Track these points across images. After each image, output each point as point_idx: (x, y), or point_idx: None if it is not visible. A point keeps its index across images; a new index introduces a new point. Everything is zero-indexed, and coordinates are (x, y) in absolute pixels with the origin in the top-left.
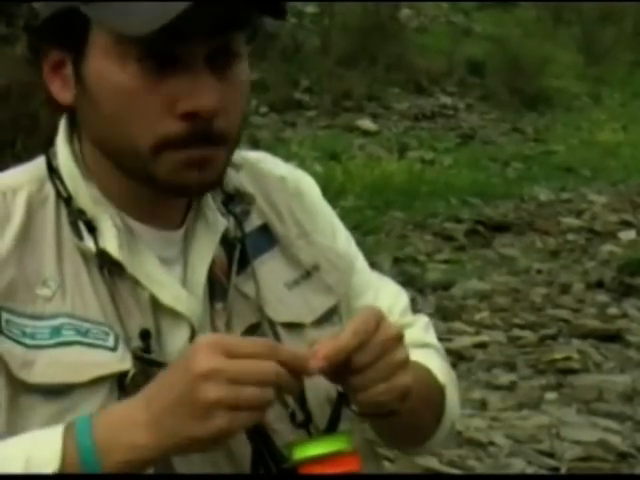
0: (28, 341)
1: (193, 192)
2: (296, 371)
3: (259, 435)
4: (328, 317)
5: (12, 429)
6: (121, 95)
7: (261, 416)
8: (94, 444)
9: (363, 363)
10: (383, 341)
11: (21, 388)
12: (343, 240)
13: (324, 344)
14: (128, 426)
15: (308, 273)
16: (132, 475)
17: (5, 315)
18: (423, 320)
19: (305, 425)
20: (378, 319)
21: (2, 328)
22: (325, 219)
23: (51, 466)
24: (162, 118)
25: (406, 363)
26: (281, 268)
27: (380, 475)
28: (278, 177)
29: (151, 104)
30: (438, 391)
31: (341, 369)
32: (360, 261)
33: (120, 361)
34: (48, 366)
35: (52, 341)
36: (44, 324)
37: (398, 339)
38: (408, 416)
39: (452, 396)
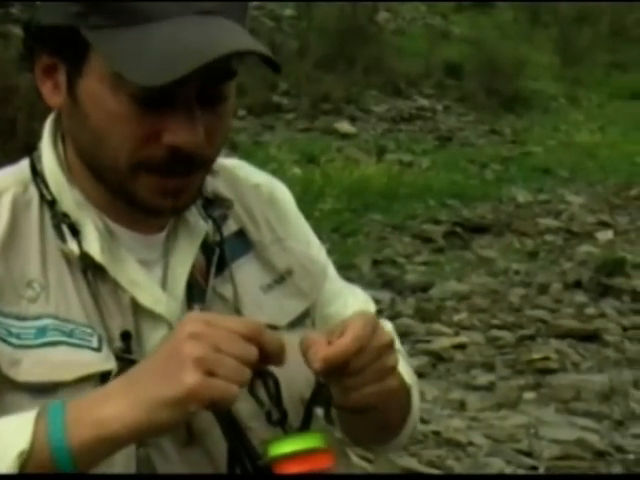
0: (14, 341)
1: (165, 215)
2: (273, 358)
3: (235, 433)
4: (301, 320)
5: None
6: (110, 118)
7: (232, 395)
8: (63, 422)
9: (359, 366)
10: (378, 347)
11: (9, 386)
12: (315, 248)
13: (321, 345)
14: (98, 401)
15: (282, 277)
16: (132, 475)
17: None
18: (388, 326)
19: (281, 423)
20: (374, 325)
21: None
22: (298, 226)
23: (19, 446)
24: (146, 143)
25: (396, 368)
26: (256, 272)
27: (379, 475)
28: (253, 184)
29: (138, 130)
30: (406, 392)
31: (337, 370)
32: (331, 269)
33: (104, 361)
34: (34, 365)
35: (38, 341)
36: (29, 325)
37: (390, 345)
38: (380, 414)
39: (416, 398)
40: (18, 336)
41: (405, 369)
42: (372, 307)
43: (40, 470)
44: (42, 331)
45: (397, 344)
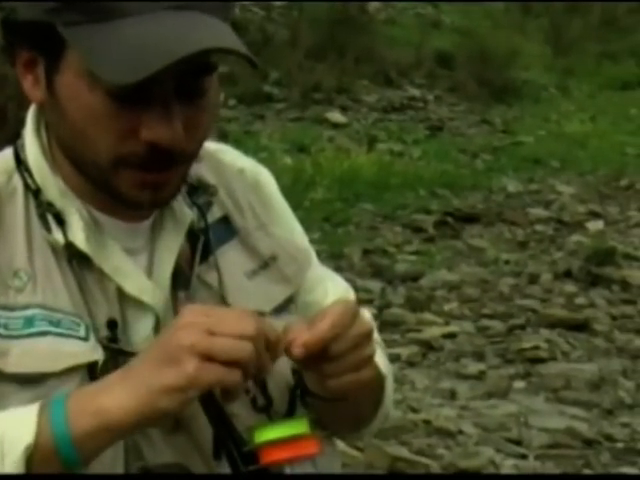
0: (2, 331)
1: (145, 209)
2: (269, 343)
3: (220, 419)
4: (285, 306)
5: None
6: (88, 114)
7: (233, 377)
8: (65, 413)
9: (337, 352)
10: (357, 335)
11: None
12: (298, 234)
13: (302, 332)
14: (99, 391)
15: (266, 264)
16: (131, 475)
17: None
18: (367, 315)
19: (266, 410)
20: (354, 314)
21: None
22: (281, 212)
23: (25, 440)
24: (125, 139)
25: (372, 358)
26: (241, 258)
27: (379, 475)
28: (237, 169)
29: (116, 125)
30: (380, 382)
31: (315, 356)
32: (313, 256)
33: (92, 351)
34: (22, 356)
35: (25, 331)
36: (17, 315)
37: (369, 335)
38: (353, 404)
39: (389, 388)
40: (6, 326)
41: (381, 359)
42: (352, 296)
43: (45, 463)
44: (30, 321)
45: (375, 334)
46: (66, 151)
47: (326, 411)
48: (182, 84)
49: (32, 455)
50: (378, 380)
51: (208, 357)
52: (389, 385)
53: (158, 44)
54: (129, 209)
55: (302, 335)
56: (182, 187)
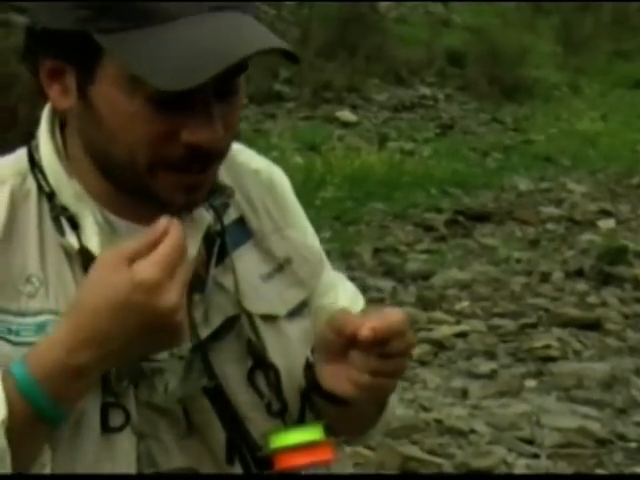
0: (14, 338)
1: (179, 211)
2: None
3: (234, 424)
4: (300, 309)
5: None
6: (127, 120)
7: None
8: (25, 365)
9: (390, 351)
10: (410, 343)
11: None
12: (311, 236)
13: (372, 318)
14: (72, 366)
15: (281, 266)
16: (131, 475)
17: None
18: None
19: (281, 414)
20: (408, 324)
21: None
22: (295, 214)
23: (1, 413)
24: (165, 142)
25: (404, 371)
26: (256, 261)
27: (381, 475)
28: (253, 170)
29: (155, 130)
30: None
31: (370, 345)
32: (325, 259)
33: None
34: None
35: (37, 338)
36: (29, 321)
37: (413, 348)
38: (360, 407)
39: (394, 397)
40: (17, 333)
41: None
42: (361, 301)
43: (26, 428)
44: (42, 327)
45: None
46: (98, 156)
47: (331, 413)
48: (220, 85)
49: (11, 426)
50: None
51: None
52: (393, 396)
53: (211, 48)
54: (162, 211)
55: (371, 320)
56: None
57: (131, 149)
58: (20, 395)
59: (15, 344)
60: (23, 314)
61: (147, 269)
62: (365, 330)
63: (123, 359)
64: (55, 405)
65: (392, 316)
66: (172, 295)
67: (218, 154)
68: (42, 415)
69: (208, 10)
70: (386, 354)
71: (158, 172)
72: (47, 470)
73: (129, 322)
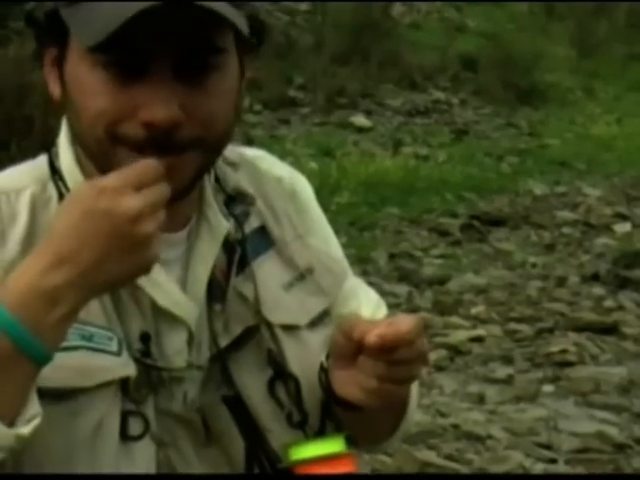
0: None
1: None
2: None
3: (254, 434)
4: (322, 319)
5: None
6: (88, 95)
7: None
8: (5, 304)
9: (399, 358)
10: (421, 351)
11: None
12: (333, 244)
13: (380, 325)
14: (44, 288)
15: (302, 275)
16: (130, 475)
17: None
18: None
19: (301, 425)
20: (422, 330)
21: None
22: (318, 222)
23: None
24: (124, 120)
25: (415, 379)
26: (277, 270)
27: (382, 475)
28: (276, 177)
29: (113, 107)
30: (406, 401)
31: (379, 352)
32: (348, 267)
33: (124, 366)
34: (54, 371)
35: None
36: None
37: (426, 357)
38: (372, 415)
39: (413, 402)
40: None
41: None
42: (384, 310)
43: (6, 361)
44: None
45: None
46: (79, 143)
47: (345, 420)
48: (181, 66)
49: None
50: (404, 402)
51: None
52: (413, 399)
53: (130, 2)
54: None
55: (379, 327)
56: (197, 183)
57: (93, 125)
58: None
59: None
60: None
61: (110, 178)
62: (372, 336)
63: (97, 282)
64: (33, 335)
65: (402, 324)
66: (135, 202)
67: (188, 139)
68: (20, 346)
69: None
70: (394, 361)
71: (121, 152)
72: (36, 422)
73: (94, 233)
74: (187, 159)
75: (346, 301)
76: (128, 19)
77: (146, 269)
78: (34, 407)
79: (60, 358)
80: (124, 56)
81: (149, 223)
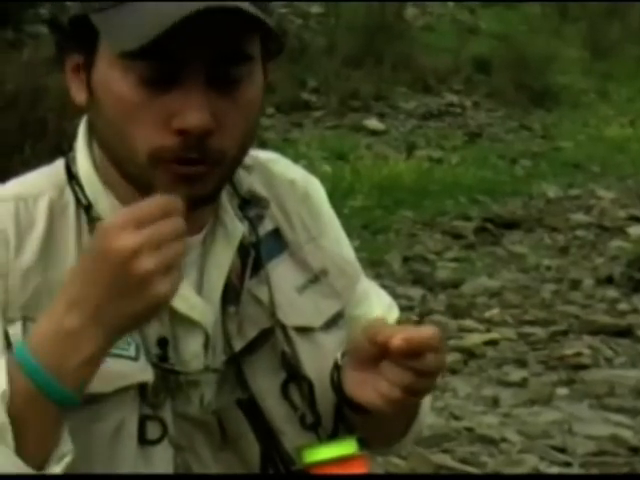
0: None
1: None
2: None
3: (268, 437)
4: (336, 321)
5: None
6: (122, 104)
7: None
8: (26, 345)
9: (422, 366)
10: (442, 361)
11: None
12: (346, 246)
13: (406, 330)
14: (62, 332)
15: (316, 277)
16: (130, 475)
17: (31, 326)
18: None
19: (314, 427)
20: (441, 341)
21: None
22: (330, 224)
23: (1, 386)
24: (158, 130)
25: (429, 391)
26: (291, 272)
27: (382, 475)
28: (289, 180)
29: (149, 116)
30: (416, 407)
31: (404, 356)
32: (360, 269)
33: (142, 371)
34: None
35: None
36: None
37: (444, 368)
38: (385, 419)
39: (426, 404)
40: None
41: None
42: (396, 312)
43: (31, 405)
44: None
45: None
46: (107, 152)
47: (356, 422)
48: (213, 74)
49: (11, 399)
50: (416, 406)
51: (169, 270)
52: (426, 401)
53: (168, 9)
54: None
55: (406, 331)
56: (218, 194)
57: (130, 140)
58: (19, 368)
59: None
60: None
61: (115, 216)
62: (397, 340)
63: (112, 322)
64: (57, 379)
65: (426, 330)
66: (130, 239)
67: (216, 149)
68: (46, 391)
69: None
70: (420, 371)
71: (158, 165)
72: (67, 460)
73: (97, 273)
74: (212, 169)
75: (358, 303)
76: (176, 23)
77: (153, 309)
78: (66, 445)
79: None
80: (159, 62)
81: (146, 260)
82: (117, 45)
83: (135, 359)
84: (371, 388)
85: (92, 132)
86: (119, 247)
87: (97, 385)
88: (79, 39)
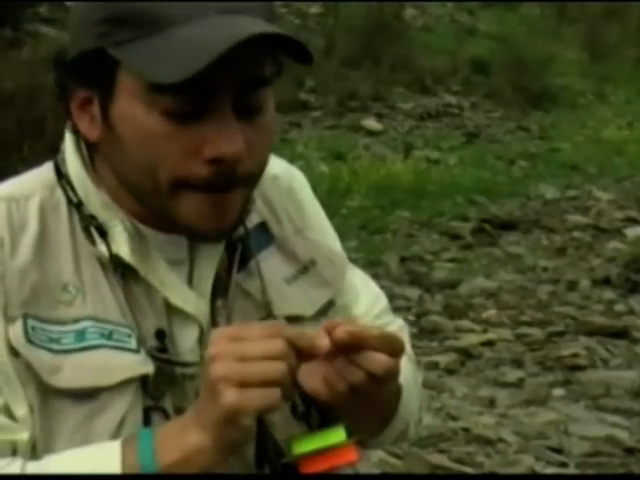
0: (54, 346)
1: (210, 239)
2: (303, 350)
3: (261, 428)
4: (326, 310)
5: (45, 433)
6: (146, 138)
7: (273, 399)
8: (153, 449)
9: (373, 368)
10: (391, 371)
11: (51, 393)
12: (331, 237)
13: (356, 325)
14: (179, 430)
15: (305, 268)
16: (133, 475)
17: (31, 322)
18: (398, 323)
19: (305, 417)
20: (402, 350)
21: (29, 336)
22: (315, 216)
23: (113, 472)
24: (186, 161)
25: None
26: (280, 264)
27: (382, 475)
28: (272, 176)
29: (176, 147)
30: (392, 402)
31: (346, 349)
32: (347, 259)
33: (144, 363)
34: (75, 371)
35: (78, 345)
36: (68, 329)
37: (396, 376)
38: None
39: (410, 398)
40: (58, 341)
41: (404, 370)
42: (383, 302)
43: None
44: (81, 334)
45: (408, 347)
46: (127, 186)
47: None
48: (239, 101)
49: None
50: (389, 401)
51: (244, 384)
52: (410, 395)
53: (206, 41)
54: (192, 239)
55: (353, 326)
56: (244, 218)
57: (153, 171)
58: (137, 465)
59: (56, 352)
60: (62, 322)
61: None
62: (341, 331)
63: (215, 448)
64: (159, 470)
65: (376, 330)
66: (218, 367)
67: (245, 175)
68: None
69: (216, 13)
70: (368, 371)
71: (180, 193)
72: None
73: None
74: (238, 195)
75: (345, 293)
76: (220, 55)
77: (234, 445)
78: None
79: (81, 358)
80: (190, 95)
81: (220, 366)
82: (152, 77)
83: (136, 351)
84: (319, 378)
85: (110, 167)
86: (214, 375)
87: (100, 378)
88: (91, 73)
